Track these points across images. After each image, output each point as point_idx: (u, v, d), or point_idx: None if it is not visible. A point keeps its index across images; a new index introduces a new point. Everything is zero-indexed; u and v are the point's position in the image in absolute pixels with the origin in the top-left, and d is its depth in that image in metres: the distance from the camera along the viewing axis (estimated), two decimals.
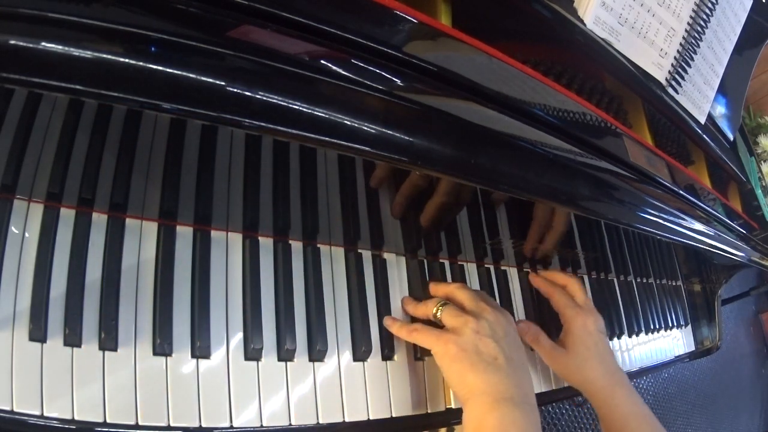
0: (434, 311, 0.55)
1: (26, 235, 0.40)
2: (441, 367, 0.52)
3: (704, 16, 0.64)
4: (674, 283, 1.09)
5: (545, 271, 0.74)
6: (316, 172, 0.53)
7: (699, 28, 0.64)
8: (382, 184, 0.58)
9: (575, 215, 0.68)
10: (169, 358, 0.43)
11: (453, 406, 0.58)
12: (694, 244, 0.68)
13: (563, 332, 0.68)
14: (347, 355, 0.53)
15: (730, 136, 0.83)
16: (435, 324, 0.56)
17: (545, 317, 0.73)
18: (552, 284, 0.71)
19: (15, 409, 0.36)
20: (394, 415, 0.53)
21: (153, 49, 0.29)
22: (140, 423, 0.40)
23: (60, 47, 0.27)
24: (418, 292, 0.60)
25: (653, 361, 0.94)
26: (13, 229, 0.40)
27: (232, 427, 0.44)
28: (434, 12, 0.43)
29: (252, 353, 0.47)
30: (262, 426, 0.46)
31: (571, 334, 0.66)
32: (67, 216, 0.42)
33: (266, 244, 0.51)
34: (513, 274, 0.72)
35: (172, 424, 0.42)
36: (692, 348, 1.09)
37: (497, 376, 0.49)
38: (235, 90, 0.31)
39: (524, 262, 0.73)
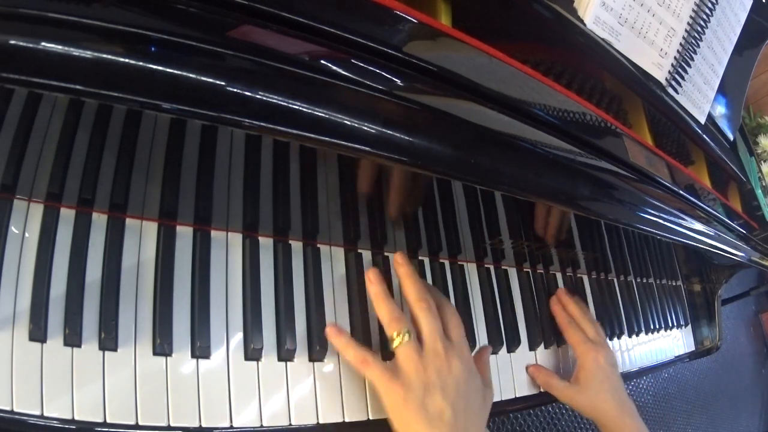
0: (393, 337, 0.51)
1: (26, 235, 0.40)
2: (384, 407, 0.50)
3: (704, 16, 0.64)
4: (674, 283, 1.09)
5: (560, 296, 0.75)
6: (316, 172, 0.53)
7: (699, 28, 0.64)
8: (378, 184, 0.57)
9: (575, 215, 0.68)
10: (169, 358, 0.43)
11: None
12: (694, 244, 0.68)
13: (577, 367, 0.71)
14: None
15: (730, 136, 0.83)
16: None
17: (544, 318, 0.73)
18: (567, 318, 0.73)
19: (15, 409, 0.36)
20: None
21: (153, 49, 0.29)
22: (140, 423, 0.40)
23: (60, 47, 0.26)
24: None
25: (653, 361, 0.94)
26: (13, 229, 0.40)
27: (232, 427, 0.44)
28: (434, 12, 0.43)
29: (252, 353, 0.47)
30: (262, 426, 0.46)
31: (584, 369, 0.69)
32: (67, 216, 0.42)
33: (266, 244, 0.51)
34: (513, 274, 0.72)
35: (172, 424, 0.42)
36: (692, 348, 1.09)
37: None
38: (235, 90, 0.31)
39: (524, 262, 0.73)
